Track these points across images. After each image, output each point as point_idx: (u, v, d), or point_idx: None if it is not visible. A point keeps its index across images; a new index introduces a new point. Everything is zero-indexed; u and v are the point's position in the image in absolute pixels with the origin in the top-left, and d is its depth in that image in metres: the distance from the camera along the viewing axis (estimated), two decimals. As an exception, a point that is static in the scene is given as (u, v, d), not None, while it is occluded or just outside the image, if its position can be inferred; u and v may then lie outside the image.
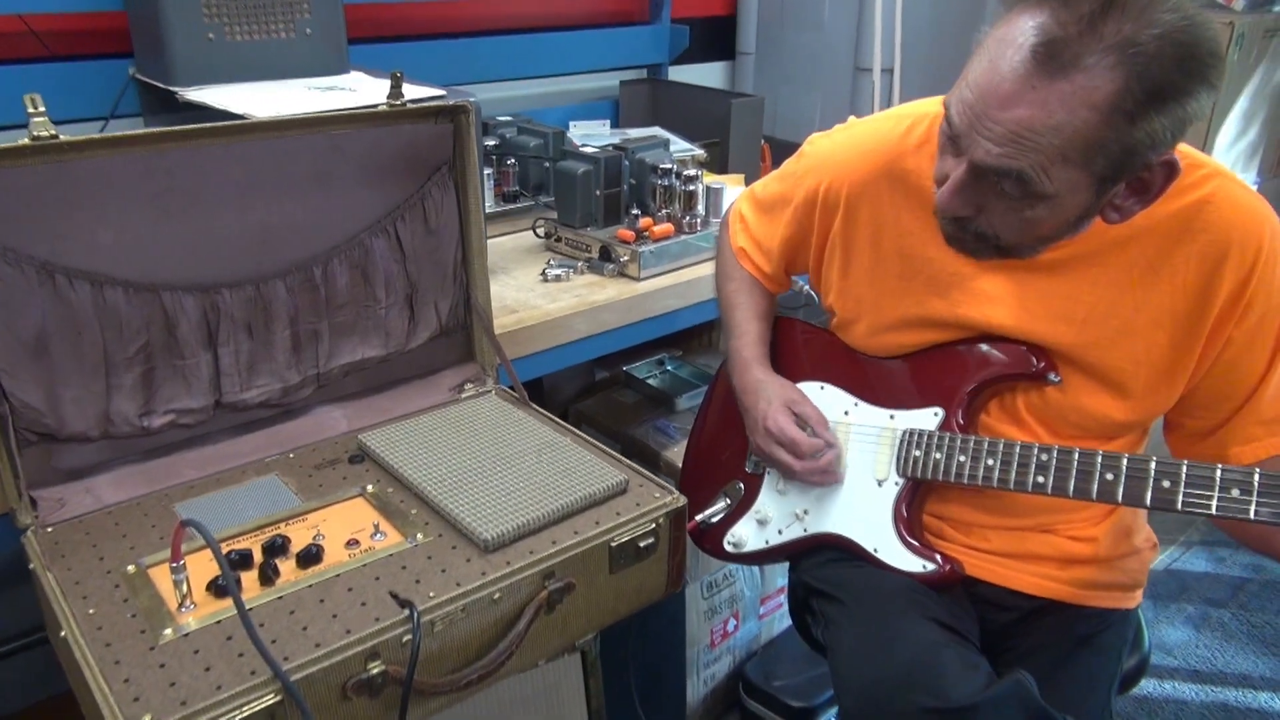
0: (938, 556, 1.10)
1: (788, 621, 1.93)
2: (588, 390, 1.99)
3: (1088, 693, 1.08)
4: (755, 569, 1.81)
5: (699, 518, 1.27)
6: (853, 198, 1.13)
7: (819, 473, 1.16)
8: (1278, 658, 2.07)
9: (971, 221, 0.95)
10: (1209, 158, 0.99)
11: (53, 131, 0.90)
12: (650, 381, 1.92)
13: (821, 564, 1.19)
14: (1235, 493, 0.89)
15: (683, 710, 1.77)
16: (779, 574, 1.86)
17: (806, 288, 1.51)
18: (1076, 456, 0.98)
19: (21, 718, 1.73)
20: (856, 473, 1.17)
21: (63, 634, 0.84)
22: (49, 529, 0.98)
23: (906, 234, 1.10)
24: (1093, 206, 0.91)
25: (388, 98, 1.13)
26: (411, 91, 1.14)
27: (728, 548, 1.27)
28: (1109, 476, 0.96)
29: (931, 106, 1.10)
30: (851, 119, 1.20)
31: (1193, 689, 1.99)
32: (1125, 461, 0.95)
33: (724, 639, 1.80)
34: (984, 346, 1.09)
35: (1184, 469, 0.92)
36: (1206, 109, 0.84)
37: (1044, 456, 1.00)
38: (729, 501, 1.28)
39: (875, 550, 1.13)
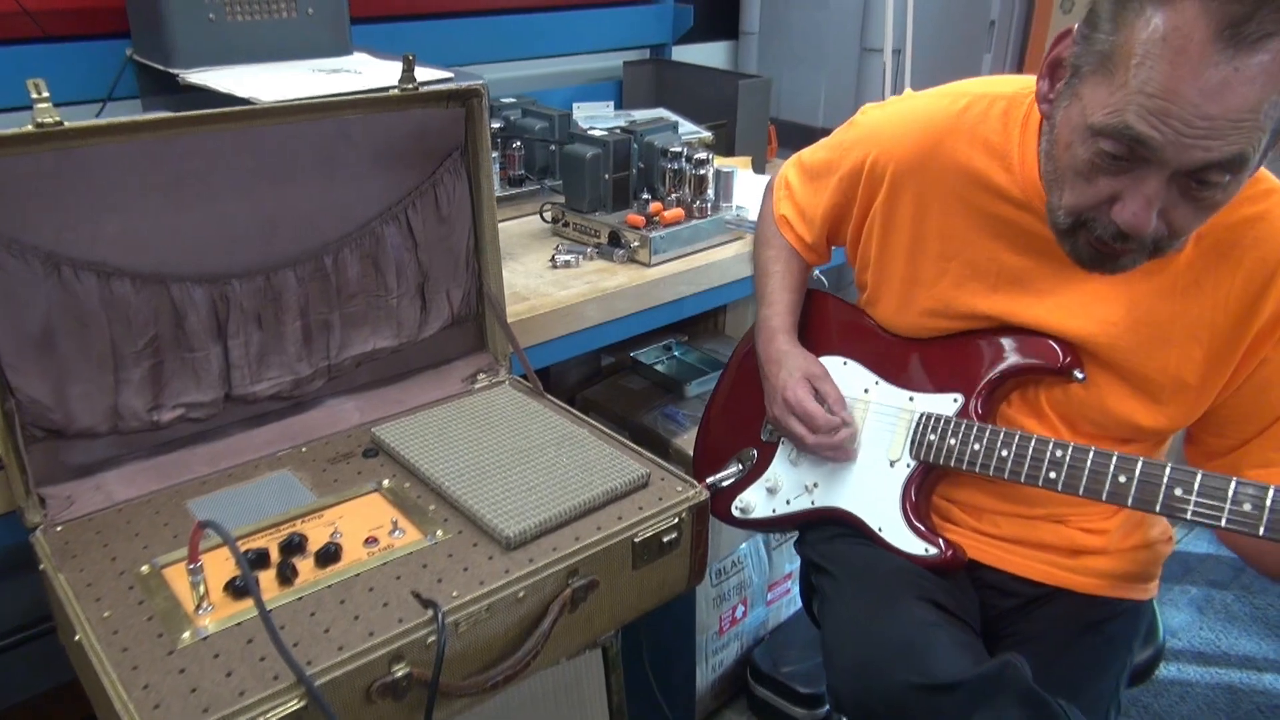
0: (941, 541, 1.09)
1: (794, 607, 1.93)
2: (594, 377, 1.97)
3: (1090, 679, 1.07)
4: (764, 556, 1.80)
5: (710, 480, 1.26)
6: (898, 174, 1.11)
7: (831, 448, 1.15)
8: (1281, 640, 2.09)
9: (1151, 232, 0.88)
10: (1268, 173, 0.95)
11: (57, 118, 0.87)
12: (658, 368, 1.89)
13: (826, 539, 1.19)
14: (1247, 507, 0.86)
15: (692, 698, 1.77)
16: (786, 560, 1.86)
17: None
18: (1091, 456, 0.96)
19: (20, 710, 1.71)
20: (870, 451, 1.16)
21: (77, 638, 0.81)
22: (58, 528, 0.95)
23: (951, 214, 1.08)
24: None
25: (399, 81, 1.09)
26: (419, 74, 1.10)
27: (735, 512, 1.27)
28: (1122, 479, 0.94)
29: (990, 87, 1.07)
30: (908, 91, 1.17)
31: (1197, 670, 2.00)
32: (1140, 465, 0.93)
33: (732, 625, 1.79)
34: (1011, 337, 1.07)
35: (1198, 478, 0.89)
36: None
37: (1059, 453, 0.98)
38: (741, 467, 1.28)
39: (880, 530, 1.12)
